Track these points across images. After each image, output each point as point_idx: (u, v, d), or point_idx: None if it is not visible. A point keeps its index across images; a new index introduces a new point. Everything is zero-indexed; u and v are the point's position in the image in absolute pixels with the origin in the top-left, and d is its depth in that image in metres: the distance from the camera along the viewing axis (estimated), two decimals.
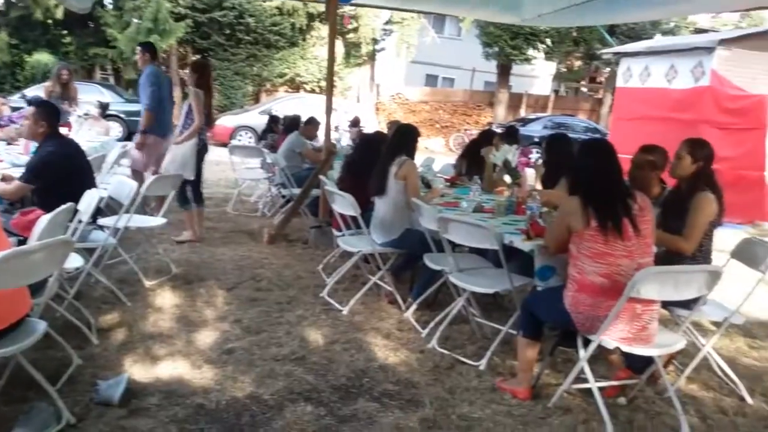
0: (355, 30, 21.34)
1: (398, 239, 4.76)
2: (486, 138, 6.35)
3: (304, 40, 21.96)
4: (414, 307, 4.66)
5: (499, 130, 17.68)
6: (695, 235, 3.54)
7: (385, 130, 8.25)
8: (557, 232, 3.30)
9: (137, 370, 3.48)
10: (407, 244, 4.78)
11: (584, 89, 31.57)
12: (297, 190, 7.11)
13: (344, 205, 4.75)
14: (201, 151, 6.40)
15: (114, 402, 3.06)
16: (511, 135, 5.83)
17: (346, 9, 18.32)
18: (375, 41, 22.80)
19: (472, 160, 6.31)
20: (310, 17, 21.11)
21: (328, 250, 6.25)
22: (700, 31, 16.49)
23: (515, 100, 25.56)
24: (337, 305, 4.74)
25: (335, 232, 5.50)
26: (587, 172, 3.23)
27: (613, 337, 3.08)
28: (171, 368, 3.55)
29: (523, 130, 18.58)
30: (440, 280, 4.62)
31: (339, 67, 21.69)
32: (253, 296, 4.84)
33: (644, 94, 13.10)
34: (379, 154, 5.51)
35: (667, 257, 3.63)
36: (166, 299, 4.67)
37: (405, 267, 5.15)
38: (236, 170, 8.84)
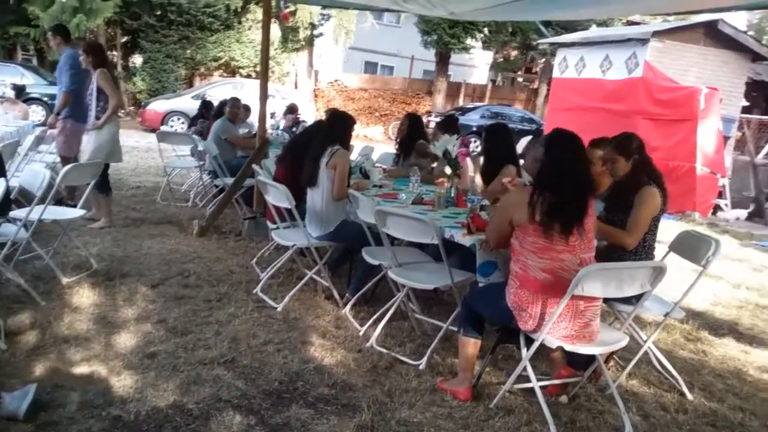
0: (293, 14, 20.85)
1: (334, 232, 4.56)
2: (414, 125, 6.20)
3: (239, 22, 21.31)
4: (352, 302, 4.48)
5: (434, 119, 17.55)
6: (639, 230, 3.48)
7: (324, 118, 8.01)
8: (499, 225, 3.17)
9: (48, 379, 3.18)
10: (344, 237, 4.59)
11: (520, 79, 31.96)
12: (230, 180, 6.80)
13: (278, 196, 4.52)
14: None
15: (19, 416, 2.77)
16: (450, 125, 5.68)
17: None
18: (313, 26, 22.37)
19: (407, 149, 6.16)
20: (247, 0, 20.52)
21: (262, 242, 6.01)
22: (633, 23, 16.81)
23: (454, 89, 25.61)
24: (271, 302, 4.51)
25: (269, 225, 5.26)
26: (559, 165, 3.03)
27: (556, 335, 2.98)
28: (87, 375, 3.26)
29: (462, 120, 18.61)
30: (379, 275, 4.45)
31: (276, 53, 21.20)
32: (180, 293, 4.56)
33: (580, 85, 13.27)
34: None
35: (608, 251, 3.57)
36: (85, 298, 4.34)
37: (342, 261, 4.96)
38: (165, 158, 8.43)
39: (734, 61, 12.23)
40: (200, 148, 7.64)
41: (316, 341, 3.93)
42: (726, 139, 10.76)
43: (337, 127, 4.69)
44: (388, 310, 4.07)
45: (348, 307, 4.46)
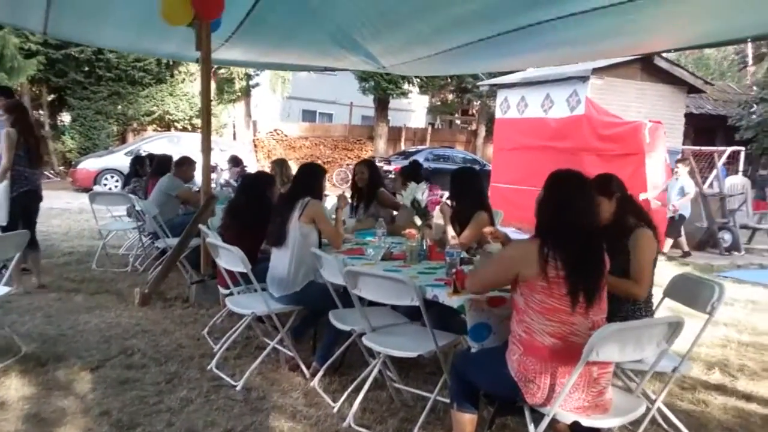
0: (227, 66, 20.49)
1: (300, 293, 4.12)
2: (373, 172, 5.85)
3: (172, 76, 20.80)
4: (321, 373, 4.02)
5: (387, 166, 17.24)
6: (646, 278, 3.20)
7: (266, 169, 7.58)
8: (497, 277, 2.81)
9: None
10: (309, 300, 4.15)
11: (458, 121, 32.36)
12: (173, 240, 6.27)
13: (232, 260, 4.06)
14: (26, 196, 5.83)
15: None
16: (414, 171, 5.35)
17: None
18: (249, 77, 22.04)
19: (368, 198, 5.78)
20: None
21: (213, 308, 5.52)
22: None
23: (394, 134, 25.62)
24: (228, 379, 4.00)
25: (221, 290, 4.77)
26: (572, 211, 2.67)
27: (568, 407, 2.61)
28: None
29: (405, 163, 18.49)
30: (349, 340, 4.01)
31: (212, 104, 20.66)
32: (123, 377, 4.00)
33: (523, 124, 13.29)
34: (265, 197, 4.88)
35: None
36: (12, 390, 3.74)
37: (306, 325, 4.50)
38: (100, 219, 7.80)
39: (671, 95, 12.49)
40: (138, 207, 7.10)
41: (286, 425, 3.45)
42: (673, 171, 10.82)
43: (308, 179, 4.31)
44: (364, 381, 3.63)
45: (317, 378, 3.99)
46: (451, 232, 4.34)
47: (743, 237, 10.98)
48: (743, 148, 12.32)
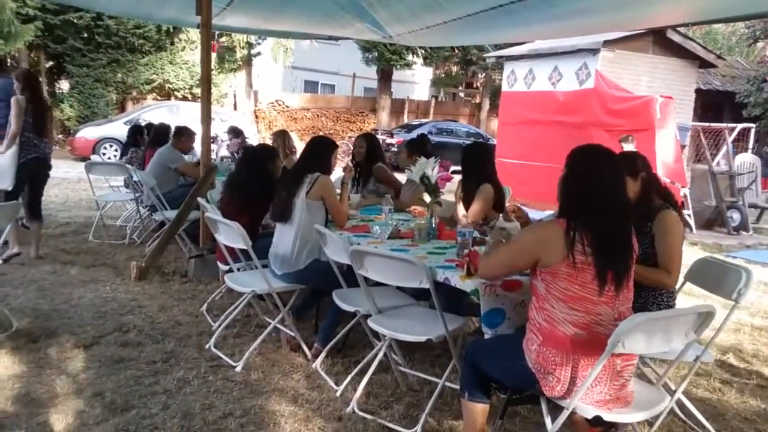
0: (229, 34, 20.11)
1: (303, 272, 3.95)
2: (372, 146, 5.63)
3: (172, 43, 20.38)
4: (323, 354, 3.86)
5: (391, 139, 16.94)
6: (677, 264, 3.03)
7: (267, 140, 7.37)
8: (514, 261, 2.63)
9: None
10: (313, 278, 3.98)
11: (461, 94, 31.97)
12: (171, 213, 6.10)
13: (231, 235, 3.88)
14: (34, 163, 5.76)
15: None
16: (421, 146, 5.13)
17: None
18: (250, 45, 21.64)
19: (365, 174, 5.57)
20: None
21: (212, 283, 5.36)
22: None
23: (397, 106, 25.30)
24: (228, 360, 3.85)
25: (221, 266, 4.61)
26: (602, 188, 2.48)
27: (589, 400, 2.45)
28: None
29: (408, 136, 18.25)
30: (352, 321, 3.85)
31: (213, 73, 20.31)
32: (118, 355, 3.85)
33: (530, 98, 13.02)
34: (267, 170, 4.70)
35: None
36: (3, 368, 3.60)
37: (308, 305, 4.35)
38: (97, 190, 7.61)
39: (683, 69, 12.20)
40: (136, 178, 6.90)
41: (287, 409, 3.30)
42: (683, 147, 10.61)
43: (316, 154, 4.11)
44: (368, 364, 3.48)
45: (319, 360, 3.84)
46: (461, 209, 4.16)
47: (752, 216, 10.80)
48: (754, 125, 12.09)
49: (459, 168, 4.40)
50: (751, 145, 12.10)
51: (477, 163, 4.39)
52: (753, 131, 11.91)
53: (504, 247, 2.75)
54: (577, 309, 2.42)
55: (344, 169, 4.45)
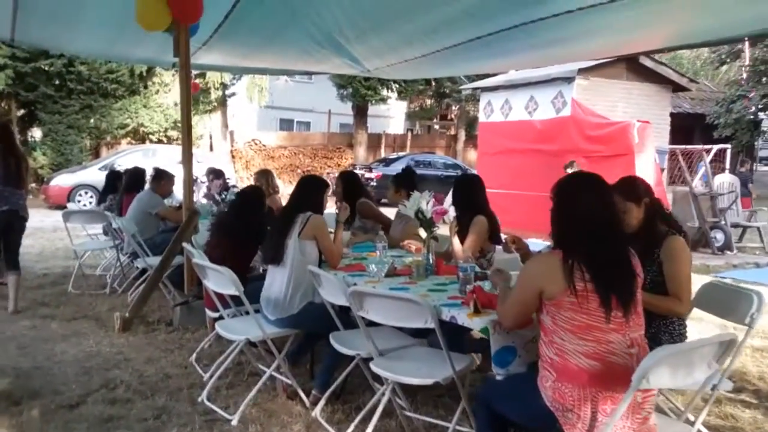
0: (203, 76, 20.06)
1: (297, 316, 3.81)
2: (349, 184, 5.52)
3: (145, 87, 20.26)
4: (322, 402, 3.69)
5: (369, 174, 16.80)
6: (687, 292, 2.95)
7: (247, 181, 7.24)
8: (522, 300, 2.53)
9: None
10: (308, 322, 3.84)
11: (436, 126, 32.20)
12: (154, 260, 5.91)
13: (221, 281, 3.73)
14: (5, 216, 5.69)
15: None
16: (408, 180, 5.02)
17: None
18: (225, 86, 21.62)
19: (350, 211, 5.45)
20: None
21: (199, 330, 5.17)
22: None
23: (374, 141, 25.36)
24: (222, 413, 3.66)
25: (210, 314, 4.44)
26: (585, 214, 2.44)
27: None
28: None
29: (387, 170, 18.28)
30: (351, 364, 3.69)
31: None
32: (107, 414, 3.64)
33: (508, 128, 13.09)
34: (258, 213, 4.58)
35: None
36: None
37: (303, 349, 4.19)
38: (75, 238, 7.40)
39: (657, 94, 12.38)
40: (115, 225, 6.72)
41: None
42: (662, 171, 10.69)
43: (307, 192, 4.00)
44: (371, 411, 3.33)
45: (318, 407, 3.66)
46: (457, 243, 4.06)
47: (734, 236, 10.85)
48: (729, 146, 12.25)
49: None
50: (727, 165, 12.23)
51: (468, 195, 4.32)
52: (729, 152, 12.05)
53: (512, 291, 2.65)
54: (587, 339, 2.33)
55: (338, 208, 4.34)
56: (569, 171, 9.17)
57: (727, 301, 3.11)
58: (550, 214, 2.57)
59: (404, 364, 3.19)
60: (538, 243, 6.07)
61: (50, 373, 4.30)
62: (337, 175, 6.00)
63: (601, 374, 2.33)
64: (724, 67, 28.36)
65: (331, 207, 4.92)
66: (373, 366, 3.18)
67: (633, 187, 3.21)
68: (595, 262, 2.36)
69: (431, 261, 3.75)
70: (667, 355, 2.19)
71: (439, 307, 2.95)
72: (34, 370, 4.35)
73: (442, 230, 4.24)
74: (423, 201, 3.73)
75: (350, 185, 5.50)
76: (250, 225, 4.39)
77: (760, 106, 20.77)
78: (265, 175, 6.78)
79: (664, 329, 3.08)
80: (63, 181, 15.58)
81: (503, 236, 3.39)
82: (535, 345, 2.67)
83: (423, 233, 3.78)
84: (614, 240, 2.46)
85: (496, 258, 4.24)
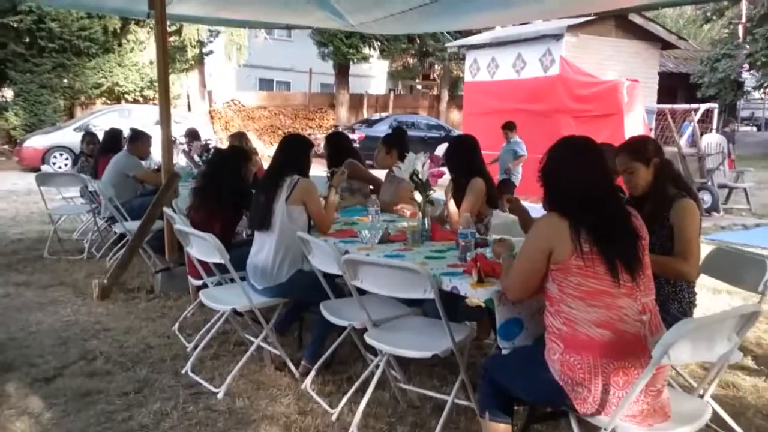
0: (179, 33, 19.44)
1: (285, 285, 3.63)
2: (335, 146, 5.28)
3: (120, 45, 19.59)
4: (312, 373, 3.54)
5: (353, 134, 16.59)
6: (696, 254, 2.81)
7: (225, 142, 6.97)
8: (530, 264, 2.36)
9: None
10: (297, 291, 3.66)
11: (419, 86, 31.78)
12: (132, 224, 5.67)
13: (205, 248, 3.54)
14: None
15: None
16: (399, 140, 4.79)
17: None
18: (201, 44, 20.98)
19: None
20: (125, 19, 18.79)
21: (182, 298, 4.99)
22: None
23: (356, 101, 24.95)
24: (208, 386, 3.49)
25: (193, 281, 4.25)
26: (574, 178, 2.34)
27: (627, 414, 2.19)
28: None
29: (370, 132, 17.99)
30: (342, 334, 3.53)
31: None
32: (85, 387, 3.45)
33: (494, 87, 12.85)
34: (240, 174, 4.36)
35: None
36: None
37: (291, 318, 4.03)
38: (50, 202, 7.11)
39: (646, 51, 12.19)
40: (91, 188, 6.46)
41: None
42: (650, 130, 10.55)
43: (291, 154, 3.77)
44: (363, 383, 3.18)
45: (309, 379, 3.50)
46: (453, 207, 3.88)
47: (720, 197, 10.80)
48: (716, 106, 12.13)
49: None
50: (714, 125, 12.13)
51: (464, 156, 4.11)
52: (716, 112, 11.93)
53: (517, 258, 2.48)
54: (596, 305, 2.20)
55: (332, 172, 4.11)
56: (509, 135, 9.16)
57: (738, 268, 2.99)
58: (542, 178, 2.45)
59: (400, 336, 3.03)
60: (536, 208, 5.92)
61: (25, 344, 4.10)
62: (318, 136, 5.76)
63: (613, 344, 2.20)
64: (707, 26, 28.18)
65: (317, 168, 4.69)
66: (367, 338, 3.02)
67: (641, 147, 3.05)
68: (592, 227, 2.25)
69: (427, 226, 3.57)
70: (690, 329, 2.04)
71: (438, 277, 2.78)
72: (8, 341, 4.15)
73: (437, 194, 4.05)
74: (418, 162, 3.52)
75: (337, 148, 5.26)
76: (230, 185, 4.16)
77: (745, 66, 20.70)
78: (239, 137, 6.52)
79: (673, 297, 2.94)
80: (37, 142, 15.16)
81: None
82: (541, 316, 2.52)
83: (418, 196, 3.58)
84: (608, 203, 2.35)
85: (493, 222, 4.07)
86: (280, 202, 3.58)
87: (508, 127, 9.63)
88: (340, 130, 18.62)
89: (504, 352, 2.56)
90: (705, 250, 3.18)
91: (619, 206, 2.40)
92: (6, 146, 18.30)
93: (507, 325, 2.55)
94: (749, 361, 4.09)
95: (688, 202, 2.88)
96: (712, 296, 5.28)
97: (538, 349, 2.40)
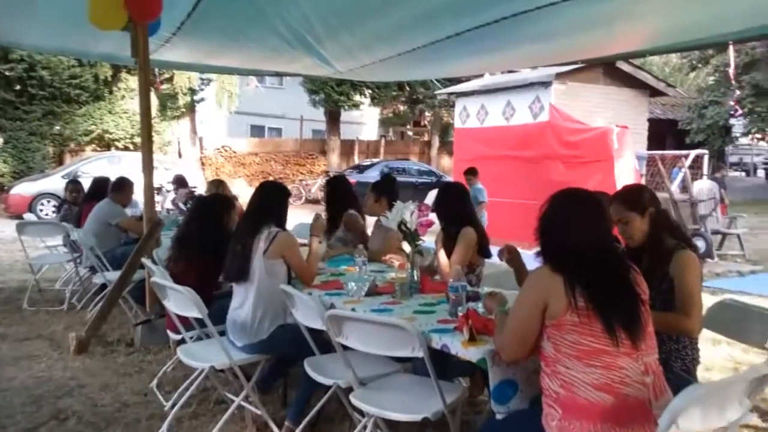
0: (170, 80, 19.53)
1: (266, 341, 3.45)
2: (338, 190, 5.15)
3: (110, 92, 19.65)
4: None
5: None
6: (698, 307, 2.66)
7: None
8: (524, 321, 2.22)
9: None
10: (279, 348, 3.48)
11: (410, 133, 31.98)
12: (113, 274, 5.49)
13: (183, 302, 3.36)
14: None
15: None
16: (388, 187, 4.67)
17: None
18: (193, 91, 21.08)
19: (333, 221, 5.04)
20: (116, 68, 18.90)
21: (162, 352, 4.78)
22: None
23: (347, 147, 25.01)
24: None
25: (171, 335, 4.06)
26: (574, 232, 2.23)
27: None
28: None
29: (361, 178, 17.93)
30: (328, 392, 3.33)
31: (155, 121, 19.61)
32: None
33: (484, 134, 12.87)
34: (221, 223, 4.20)
35: None
36: None
37: (274, 375, 3.82)
38: (33, 250, 6.92)
39: (635, 99, 12.27)
40: (73, 237, 6.28)
41: None
42: (641, 177, 10.52)
43: (268, 202, 3.64)
44: None
45: None
46: (443, 257, 3.74)
47: (714, 243, 10.71)
48: (706, 152, 12.15)
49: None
50: (705, 171, 12.13)
51: (454, 204, 3.98)
52: (706, 157, 11.95)
53: (511, 313, 2.33)
54: (594, 365, 2.06)
55: (314, 219, 3.96)
56: (471, 180, 9.20)
57: (741, 322, 2.85)
58: (539, 228, 2.33)
59: (388, 396, 2.85)
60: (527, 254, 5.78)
61: None
62: (310, 182, 5.63)
63: (614, 409, 2.05)
64: (692, 74, 28.64)
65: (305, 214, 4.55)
66: (353, 398, 2.84)
67: (636, 196, 2.93)
68: (588, 286, 2.12)
69: (416, 278, 3.42)
70: (700, 395, 1.89)
71: (428, 334, 2.62)
72: None
73: (427, 243, 3.91)
74: (407, 211, 3.39)
75: (337, 193, 5.10)
76: (214, 236, 4.00)
77: (731, 112, 20.91)
78: (217, 185, 6.39)
79: (676, 355, 2.78)
80: (24, 189, 14.98)
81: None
82: (537, 377, 2.36)
83: (407, 246, 3.44)
84: (610, 262, 2.23)
85: (485, 273, 3.93)
86: (257, 256, 3.42)
87: (471, 173, 9.80)
88: (331, 175, 18.60)
89: (498, 416, 2.39)
90: (704, 299, 3.05)
91: (619, 263, 2.27)
92: None
93: (501, 387, 2.38)
94: (757, 420, 3.91)
95: (688, 253, 2.74)
96: (711, 347, 5.10)
97: (535, 413, 2.24)
